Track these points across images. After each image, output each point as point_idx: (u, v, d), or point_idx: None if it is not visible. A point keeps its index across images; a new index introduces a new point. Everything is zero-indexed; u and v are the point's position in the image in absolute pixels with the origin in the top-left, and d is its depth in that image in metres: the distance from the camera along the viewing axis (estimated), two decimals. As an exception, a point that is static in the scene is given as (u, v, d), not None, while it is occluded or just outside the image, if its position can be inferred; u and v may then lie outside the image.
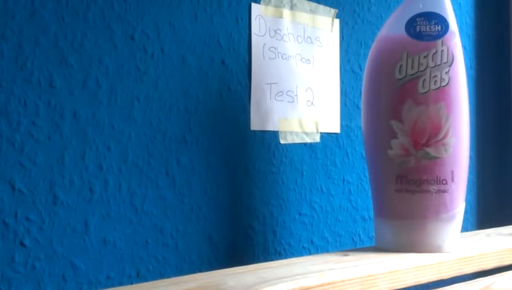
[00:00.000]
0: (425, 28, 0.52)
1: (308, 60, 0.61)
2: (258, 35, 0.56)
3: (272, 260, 0.54)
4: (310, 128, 0.61)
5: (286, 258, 0.56)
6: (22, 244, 0.42)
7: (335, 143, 0.63)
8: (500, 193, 0.86)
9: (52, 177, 0.43)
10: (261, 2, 0.57)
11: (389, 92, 0.52)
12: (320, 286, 0.41)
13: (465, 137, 0.54)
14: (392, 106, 0.52)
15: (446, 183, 0.52)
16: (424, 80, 0.51)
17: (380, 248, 0.55)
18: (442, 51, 0.51)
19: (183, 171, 0.51)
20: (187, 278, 0.45)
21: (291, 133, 0.59)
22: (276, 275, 0.43)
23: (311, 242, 0.60)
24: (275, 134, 0.58)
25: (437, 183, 0.52)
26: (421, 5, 0.53)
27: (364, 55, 0.66)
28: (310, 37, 0.61)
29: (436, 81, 0.51)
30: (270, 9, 0.57)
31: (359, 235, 0.65)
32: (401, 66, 0.52)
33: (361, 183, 0.65)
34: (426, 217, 0.52)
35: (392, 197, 0.53)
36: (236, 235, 0.54)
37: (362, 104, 0.54)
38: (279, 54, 0.58)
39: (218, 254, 0.53)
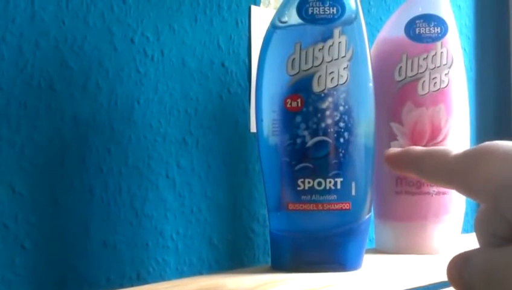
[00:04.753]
0: (425, 30, 0.52)
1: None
2: (258, 38, 0.56)
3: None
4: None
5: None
6: (22, 247, 0.42)
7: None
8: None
9: (53, 179, 0.43)
10: (261, 4, 0.57)
11: (388, 94, 0.52)
12: (322, 287, 0.41)
13: (465, 139, 0.54)
14: (391, 108, 0.52)
15: (446, 185, 0.52)
16: (424, 81, 0.51)
17: (379, 249, 0.55)
18: (441, 52, 0.52)
19: (183, 173, 0.51)
20: (187, 280, 0.45)
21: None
22: (276, 277, 0.43)
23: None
24: (274, 136, 0.58)
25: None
26: (420, 8, 0.53)
27: (364, 57, 0.66)
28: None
29: (435, 83, 0.52)
30: (270, 12, 0.57)
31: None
32: (400, 68, 0.52)
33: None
34: (426, 219, 0.52)
35: (392, 199, 0.53)
36: (236, 237, 0.54)
37: (362, 106, 0.54)
38: (279, 56, 0.58)
39: (218, 256, 0.53)
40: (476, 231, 0.25)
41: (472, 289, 0.23)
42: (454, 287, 0.24)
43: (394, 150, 0.30)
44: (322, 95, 0.44)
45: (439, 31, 0.52)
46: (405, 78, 0.52)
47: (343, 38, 0.44)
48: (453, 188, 0.26)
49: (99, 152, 0.46)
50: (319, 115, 0.44)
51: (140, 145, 0.48)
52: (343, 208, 0.44)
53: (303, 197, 0.44)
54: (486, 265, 0.23)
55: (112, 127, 0.46)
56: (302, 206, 0.44)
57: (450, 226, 0.53)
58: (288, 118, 0.44)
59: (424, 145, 0.51)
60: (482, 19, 0.85)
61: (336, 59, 0.44)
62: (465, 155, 0.25)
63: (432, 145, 0.51)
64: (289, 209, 0.44)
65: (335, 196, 0.44)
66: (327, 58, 0.44)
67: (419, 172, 0.28)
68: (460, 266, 0.24)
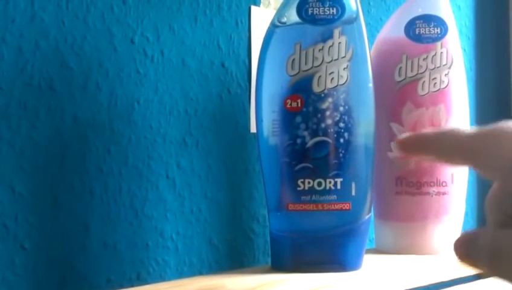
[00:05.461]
0: (425, 30, 0.52)
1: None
2: (258, 38, 0.56)
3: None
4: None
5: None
6: (22, 247, 0.42)
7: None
8: (500, 195, 0.85)
9: (53, 180, 0.43)
10: (261, 4, 0.57)
11: (388, 94, 0.52)
12: (322, 287, 0.41)
13: (464, 139, 0.54)
14: (391, 108, 0.52)
15: (446, 185, 0.52)
16: (424, 82, 0.51)
17: (379, 249, 0.55)
18: (441, 53, 0.52)
19: (183, 173, 0.51)
20: (187, 280, 0.46)
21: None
22: (276, 277, 0.43)
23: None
24: (274, 136, 0.58)
25: (437, 186, 0.52)
26: (420, 8, 0.53)
27: (364, 58, 0.66)
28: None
29: (435, 83, 0.52)
30: (270, 12, 0.57)
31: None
32: (400, 68, 0.52)
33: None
34: (426, 219, 0.52)
35: (392, 199, 0.53)
36: (236, 237, 0.54)
37: (362, 106, 0.54)
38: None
39: (218, 257, 0.53)
40: (486, 209, 0.25)
41: (478, 267, 0.23)
42: (462, 263, 0.24)
43: (405, 135, 0.30)
44: (322, 95, 0.44)
45: (439, 32, 0.52)
46: (405, 78, 0.52)
47: (343, 39, 0.44)
48: (466, 166, 0.26)
49: (99, 152, 0.46)
50: (319, 115, 0.44)
51: (140, 145, 0.48)
52: (343, 208, 0.44)
53: (303, 197, 0.44)
54: (493, 245, 0.23)
55: (111, 127, 0.47)
56: (302, 207, 0.44)
57: (450, 227, 0.53)
58: (288, 118, 0.44)
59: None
60: (482, 19, 0.85)
61: (335, 59, 0.44)
62: (479, 133, 0.25)
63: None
64: (289, 210, 0.44)
65: (335, 196, 0.44)
66: (327, 59, 0.44)
67: (433, 153, 0.28)
68: (467, 246, 0.24)
